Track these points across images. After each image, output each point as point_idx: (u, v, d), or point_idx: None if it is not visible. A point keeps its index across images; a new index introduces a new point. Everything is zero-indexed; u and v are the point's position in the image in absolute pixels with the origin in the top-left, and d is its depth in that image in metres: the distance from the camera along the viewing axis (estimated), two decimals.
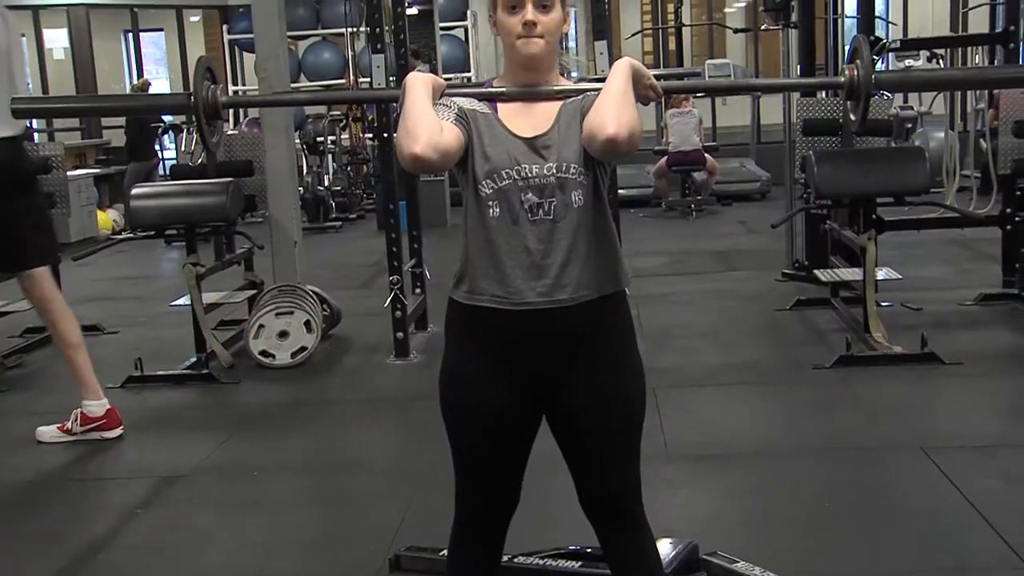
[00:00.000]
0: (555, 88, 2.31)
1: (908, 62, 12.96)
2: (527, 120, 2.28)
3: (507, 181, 2.23)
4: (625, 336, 2.34)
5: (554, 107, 2.29)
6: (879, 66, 11.99)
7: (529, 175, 2.23)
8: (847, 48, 8.03)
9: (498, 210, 2.24)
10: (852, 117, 2.58)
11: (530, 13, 2.21)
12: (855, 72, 2.50)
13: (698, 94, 13.49)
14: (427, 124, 2.16)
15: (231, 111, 15.23)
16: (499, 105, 2.31)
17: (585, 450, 2.33)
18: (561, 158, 2.23)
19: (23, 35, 14.71)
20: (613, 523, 2.36)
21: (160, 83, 18.93)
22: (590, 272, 2.26)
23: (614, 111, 2.15)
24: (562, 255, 2.24)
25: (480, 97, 2.32)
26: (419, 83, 2.25)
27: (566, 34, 2.34)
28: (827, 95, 7.59)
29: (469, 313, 2.29)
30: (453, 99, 2.30)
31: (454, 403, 2.34)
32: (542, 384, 2.30)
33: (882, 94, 10.13)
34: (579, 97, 2.28)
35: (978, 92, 10.03)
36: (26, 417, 5.35)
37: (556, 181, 2.23)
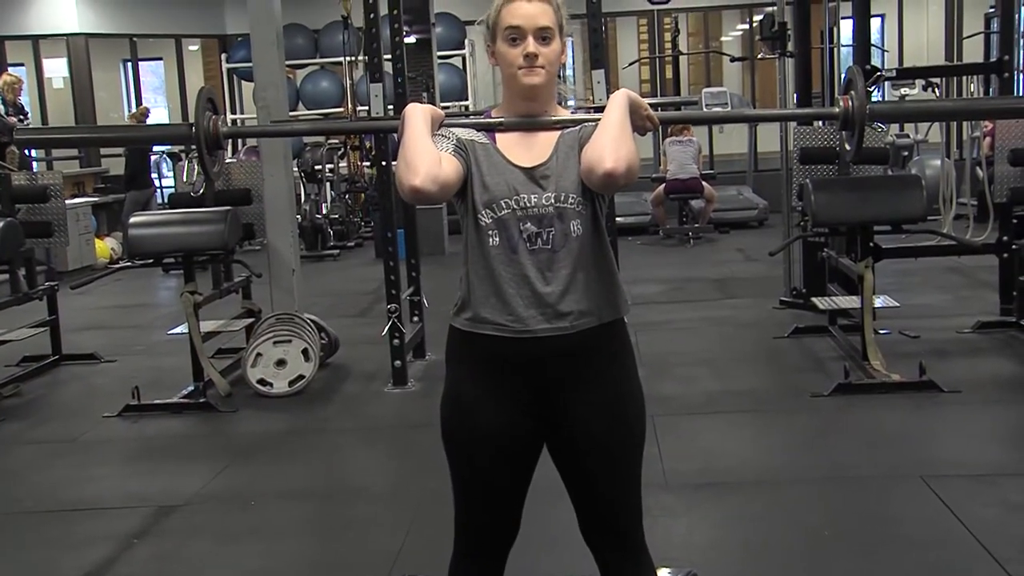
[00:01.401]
0: (554, 119, 2.32)
1: (903, 91, 13.04)
2: (526, 150, 2.29)
3: (506, 211, 2.24)
4: (625, 362, 2.34)
5: (552, 137, 2.30)
6: (875, 95, 12.07)
7: (528, 205, 2.24)
8: (843, 77, 8.08)
9: (497, 239, 2.25)
10: (848, 147, 2.58)
11: (531, 45, 2.23)
12: (850, 103, 2.51)
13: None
14: (426, 156, 2.17)
15: (230, 140, 15.28)
16: (498, 135, 2.32)
17: (585, 475, 2.32)
18: (559, 188, 2.25)
19: (22, 64, 14.80)
20: (613, 549, 2.35)
21: (159, 112, 18.96)
22: (590, 300, 2.27)
23: (612, 145, 2.16)
24: (562, 284, 2.25)
25: (479, 127, 2.33)
26: (418, 114, 2.26)
27: (563, 64, 2.35)
28: (824, 123, 7.63)
29: (470, 340, 2.30)
30: (452, 130, 2.31)
31: (455, 429, 2.33)
32: (543, 410, 2.30)
33: (876, 125, 10.18)
34: (577, 128, 2.30)
35: (973, 120, 10.08)
36: (22, 446, 5.35)
37: (555, 211, 2.24)
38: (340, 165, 13.39)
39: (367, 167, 12.91)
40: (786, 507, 4.02)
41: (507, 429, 2.29)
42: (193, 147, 2.60)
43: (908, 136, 12.48)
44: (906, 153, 12.05)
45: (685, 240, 11.86)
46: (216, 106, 2.53)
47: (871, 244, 5.84)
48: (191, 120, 2.66)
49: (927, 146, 12.15)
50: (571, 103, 2.47)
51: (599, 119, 2.25)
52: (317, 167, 12.77)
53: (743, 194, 13.38)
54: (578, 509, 2.35)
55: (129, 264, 6.65)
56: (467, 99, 14.68)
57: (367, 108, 6.10)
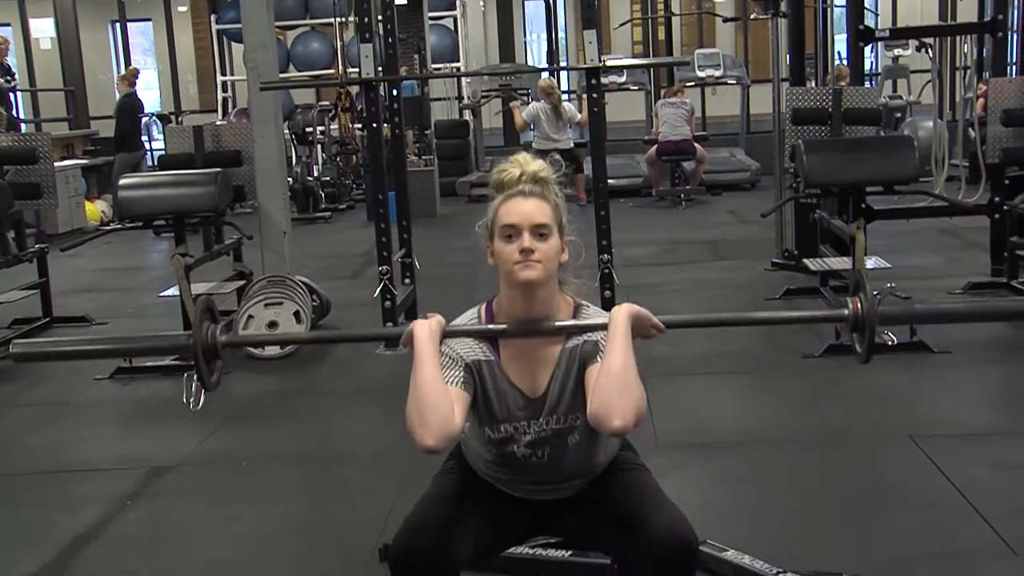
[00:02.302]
0: (555, 325, 2.31)
1: (896, 52, 12.99)
2: (527, 366, 2.32)
3: (503, 435, 2.32)
4: (621, 474, 2.42)
5: (555, 351, 2.32)
6: (868, 55, 11.98)
7: (525, 430, 2.32)
8: (835, 38, 8.04)
9: (495, 451, 2.35)
10: (858, 349, 2.47)
11: (527, 240, 2.23)
12: (859, 306, 2.40)
13: (689, 83, 13.53)
14: (439, 410, 2.17)
15: (219, 98, 15.20)
16: (501, 345, 2.33)
17: (613, 532, 2.32)
18: (557, 411, 2.31)
19: (8, 24, 14.67)
20: (681, 564, 2.24)
21: (147, 73, 18.85)
22: (589, 474, 2.39)
23: (618, 400, 2.15)
24: (558, 481, 2.38)
25: (481, 336, 2.33)
26: (426, 345, 2.24)
27: (564, 264, 2.34)
28: (816, 83, 7.61)
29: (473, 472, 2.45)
30: (457, 349, 2.31)
31: (457, 472, 2.46)
32: (534, 530, 2.49)
33: (879, 79, 10.14)
34: (580, 340, 2.30)
35: (967, 81, 10.06)
36: (14, 409, 5.35)
37: (551, 433, 2.32)
38: (331, 127, 13.33)
39: (358, 129, 12.85)
40: (777, 467, 4.04)
41: (502, 509, 2.40)
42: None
43: (901, 97, 12.47)
44: (899, 115, 12.04)
45: (677, 202, 11.85)
46: (215, 315, 2.50)
47: (863, 205, 5.84)
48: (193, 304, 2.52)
49: (920, 107, 12.14)
50: (576, 300, 2.41)
51: (602, 324, 2.26)
52: (308, 129, 12.71)
53: (735, 156, 13.36)
54: (630, 547, 2.26)
55: (120, 226, 6.63)
56: (458, 60, 14.61)
57: (358, 70, 6.06)
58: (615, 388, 2.15)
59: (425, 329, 2.26)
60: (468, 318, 2.39)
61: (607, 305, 5.33)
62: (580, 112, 11.14)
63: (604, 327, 2.26)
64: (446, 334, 2.31)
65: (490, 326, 2.34)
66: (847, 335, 2.54)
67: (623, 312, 2.26)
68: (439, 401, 2.18)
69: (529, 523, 2.45)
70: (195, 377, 2.54)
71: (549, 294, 2.30)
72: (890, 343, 5.37)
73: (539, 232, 2.24)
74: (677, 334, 5.87)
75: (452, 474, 2.46)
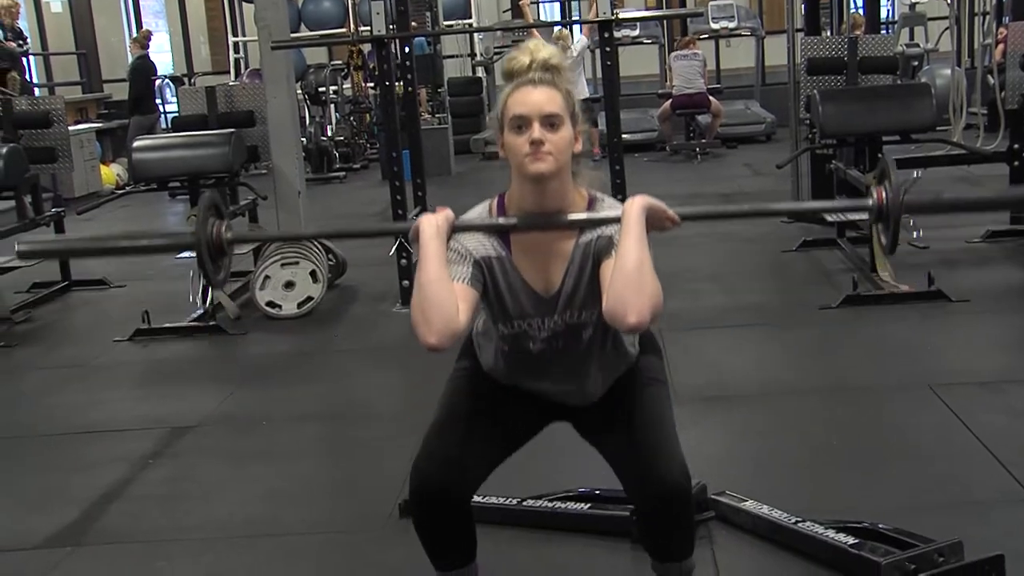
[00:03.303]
0: (567, 219, 2.23)
1: None
2: (541, 261, 2.26)
3: (517, 330, 2.29)
4: (645, 376, 2.40)
5: (568, 246, 2.25)
6: (884, 4, 11.85)
7: (539, 326, 2.28)
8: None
9: (509, 347, 2.32)
10: (883, 240, 2.42)
11: (536, 131, 2.15)
12: (883, 195, 2.36)
13: (702, 36, 13.41)
14: (443, 307, 2.12)
15: (231, 60, 15.15)
16: (512, 239, 2.26)
17: (617, 446, 2.32)
18: (572, 308, 2.27)
19: None
20: (668, 505, 2.24)
21: (159, 36, 18.77)
22: (605, 379, 2.36)
23: (633, 294, 2.09)
24: (575, 381, 2.35)
25: (491, 231, 2.26)
26: (432, 239, 2.17)
27: (578, 154, 2.24)
28: (832, 32, 7.53)
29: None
30: (466, 244, 2.24)
31: (459, 385, 2.43)
32: (561, 417, 2.44)
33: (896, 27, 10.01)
34: (594, 235, 2.23)
35: (985, 27, 9.93)
36: (35, 371, 5.39)
37: (565, 328, 2.28)
38: (344, 86, 13.28)
39: (371, 88, 12.80)
40: (794, 419, 4.03)
41: (518, 415, 2.39)
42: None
43: (918, 45, 12.33)
44: (916, 63, 11.90)
45: (692, 156, 11.78)
46: (221, 211, 2.45)
47: (880, 155, 5.79)
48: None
49: (937, 55, 12.00)
50: (591, 192, 2.35)
51: (616, 217, 2.19)
52: (321, 89, 12.66)
53: (750, 108, 13.26)
54: (625, 473, 2.29)
55: (135, 189, 6.64)
56: (470, 17, 14.50)
57: (369, 28, 6.02)
58: (630, 284, 2.09)
59: (432, 225, 2.19)
60: (478, 212, 2.31)
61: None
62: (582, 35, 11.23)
63: (618, 220, 2.18)
64: (455, 229, 2.24)
65: (500, 220, 2.27)
66: (871, 223, 2.49)
67: (637, 205, 2.17)
68: (443, 299, 2.13)
69: (541, 413, 2.42)
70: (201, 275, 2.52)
71: (562, 186, 2.22)
72: (905, 289, 5.34)
73: (550, 122, 2.16)
74: (692, 288, 5.92)
75: (464, 377, 2.43)
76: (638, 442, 2.27)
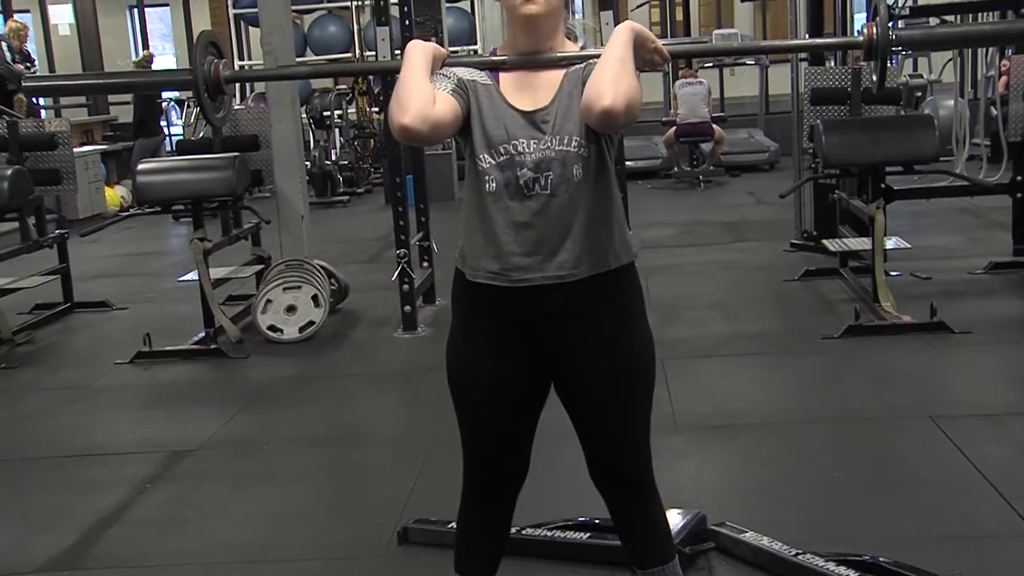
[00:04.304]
0: (557, 55, 2.25)
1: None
2: (528, 91, 2.23)
3: (504, 156, 2.19)
4: (630, 306, 2.30)
5: (557, 76, 2.23)
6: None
7: (526, 150, 2.19)
8: (855, 16, 7.98)
9: (495, 184, 2.20)
10: (874, 78, 2.44)
11: None
12: (874, 30, 2.37)
13: (706, 64, 13.46)
14: (419, 95, 2.12)
15: (237, 86, 15.22)
16: (501, 75, 2.26)
17: (591, 412, 2.31)
18: (561, 131, 2.19)
19: (28, 11, 14.71)
20: (621, 489, 2.35)
21: (166, 59, 18.88)
22: (590, 247, 2.22)
23: (611, 80, 2.08)
24: (559, 230, 2.20)
25: (481, 67, 2.28)
26: (418, 51, 2.21)
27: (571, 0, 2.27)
28: (835, 63, 7.55)
29: (471, 287, 2.28)
30: (453, 69, 2.25)
31: (459, 370, 2.33)
32: (546, 355, 2.28)
33: (899, 55, 10.02)
34: (582, 65, 2.22)
35: (988, 59, 9.96)
36: (36, 393, 5.38)
37: (555, 155, 2.18)
38: (349, 111, 13.33)
39: (376, 113, 12.84)
40: (796, 448, 4.02)
41: (509, 371, 2.28)
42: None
43: (921, 76, 12.37)
44: (919, 93, 11.94)
45: (695, 183, 11.81)
46: (220, 50, 2.45)
47: (883, 185, 5.80)
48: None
49: (941, 86, 12.04)
50: (581, 42, 2.37)
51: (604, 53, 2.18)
52: (326, 113, 12.70)
53: (754, 137, 13.29)
54: (586, 448, 2.34)
55: (139, 211, 6.65)
56: (476, 43, 14.57)
57: (375, 53, 6.05)
58: (610, 73, 2.09)
59: (419, 43, 2.24)
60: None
61: None
62: None
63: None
64: (447, 64, 2.27)
65: (491, 57, 2.29)
66: (861, 80, 2.49)
67: (625, 25, 2.20)
68: (419, 89, 2.13)
69: (539, 356, 2.28)
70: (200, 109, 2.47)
71: (553, 28, 2.24)
72: (907, 319, 5.34)
73: None
74: (695, 316, 5.92)
75: (466, 354, 2.32)
76: (610, 432, 2.30)
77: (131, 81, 2.49)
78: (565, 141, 2.19)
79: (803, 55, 7.95)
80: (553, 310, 2.23)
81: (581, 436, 2.35)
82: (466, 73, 2.25)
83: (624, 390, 2.29)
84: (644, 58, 2.23)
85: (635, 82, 2.10)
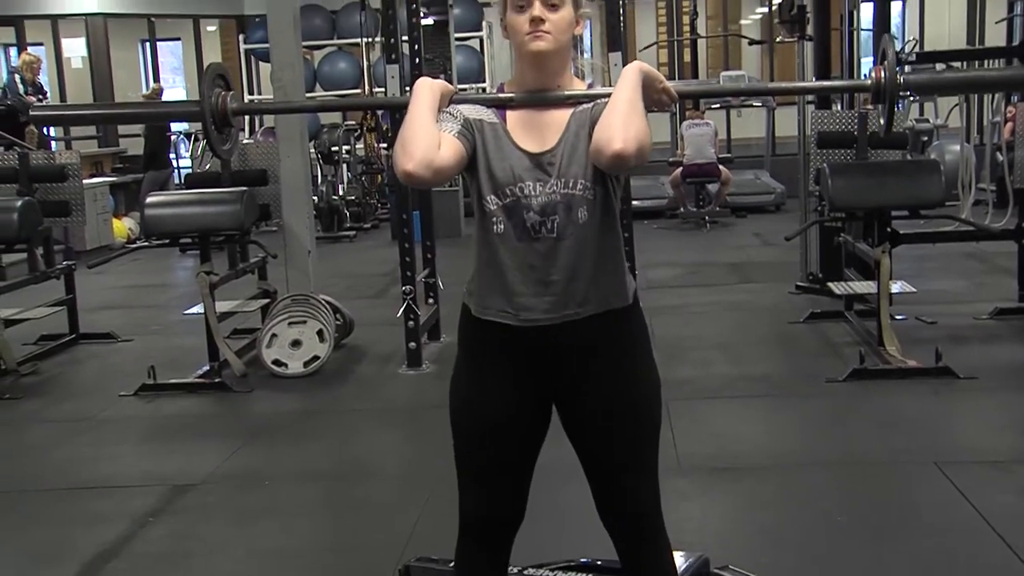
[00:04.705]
0: (564, 93, 2.25)
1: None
2: (535, 131, 2.24)
3: (510, 199, 2.21)
4: (635, 344, 2.31)
5: (564, 116, 2.24)
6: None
7: (532, 193, 2.20)
8: (862, 61, 8.03)
9: (502, 226, 2.23)
10: (881, 121, 2.46)
11: (537, 9, 2.18)
12: (881, 74, 2.39)
13: (713, 105, 13.52)
14: (424, 139, 2.13)
15: (246, 119, 15.31)
16: (508, 113, 2.26)
17: (599, 453, 2.30)
18: (567, 174, 2.20)
19: (42, 44, 14.84)
20: (632, 530, 2.33)
21: (176, 91, 18.99)
22: (596, 286, 2.24)
23: (621, 124, 2.10)
24: (566, 272, 2.21)
25: (489, 104, 2.28)
26: (425, 90, 2.22)
27: (579, 38, 2.28)
28: (842, 107, 7.59)
29: (479, 324, 2.29)
30: (460, 108, 2.26)
31: (463, 404, 2.33)
32: (552, 391, 2.29)
33: (906, 100, 10.03)
34: (590, 104, 2.23)
35: (994, 105, 10.01)
36: (40, 424, 5.38)
37: (561, 198, 2.20)
38: (356, 147, 13.39)
39: (383, 149, 12.91)
40: (800, 492, 4.01)
41: (516, 407, 2.29)
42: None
43: (928, 121, 12.41)
44: (925, 138, 11.97)
45: (701, 224, 11.83)
46: (228, 82, 2.47)
47: (888, 229, 5.81)
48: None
49: (947, 131, 12.08)
50: (589, 80, 2.39)
51: (611, 92, 2.18)
52: (334, 148, 12.77)
53: (760, 178, 13.32)
54: (594, 487, 2.33)
55: (146, 244, 6.68)
56: (484, 81, 14.66)
57: (384, 89, 6.09)
58: (620, 115, 2.10)
59: (427, 81, 2.24)
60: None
61: None
62: None
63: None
64: (454, 101, 2.27)
65: (498, 94, 2.29)
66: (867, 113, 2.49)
67: (634, 66, 2.20)
68: (425, 132, 2.14)
69: (542, 392, 2.30)
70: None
71: (561, 66, 2.24)
72: (912, 364, 5.34)
73: (550, 2, 2.18)
74: (700, 357, 5.92)
75: (469, 389, 2.32)
76: (617, 469, 2.29)
77: (139, 112, 2.51)
78: (571, 184, 2.20)
79: (810, 98, 7.98)
80: (560, 347, 2.25)
81: (589, 474, 2.34)
82: (473, 112, 2.26)
83: (631, 425, 2.29)
84: (652, 98, 2.24)
85: (645, 124, 2.11)
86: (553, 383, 2.29)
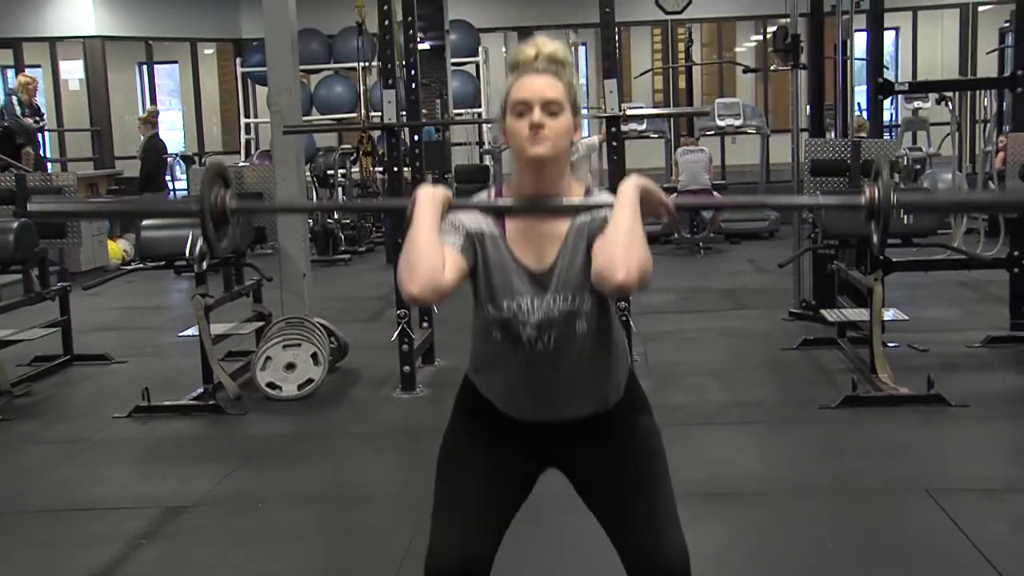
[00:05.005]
0: (563, 203, 2.26)
1: (916, 104, 13.04)
2: (534, 242, 2.26)
3: (507, 313, 2.25)
4: (636, 415, 2.35)
5: (563, 227, 2.25)
6: (887, 108, 12.04)
7: (529, 309, 2.24)
8: (855, 89, 8.09)
9: (499, 335, 2.27)
10: (874, 238, 2.46)
11: (536, 115, 2.19)
12: (876, 192, 2.39)
13: (708, 132, 13.61)
14: (428, 261, 2.12)
15: (243, 142, 15.36)
16: (507, 220, 2.28)
17: (617, 517, 2.29)
18: (564, 289, 2.24)
19: (39, 66, 14.89)
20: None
21: (172, 114, 19.05)
22: (593, 391, 2.31)
23: (622, 253, 2.09)
24: (563, 384, 2.28)
25: (487, 211, 2.29)
26: (428, 206, 2.20)
27: (575, 143, 2.28)
28: (835, 135, 7.65)
29: (482, 399, 2.35)
30: (461, 218, 2.26)
31: (454, 448, 2.36)
32: (550, 462, 2.36)
33: (899, 208, 10.15)
34: (587, 217, 2.24)
35: (987, 135, 10.09)
36: (33, 446, 5.38)
37: (558, 314, 2.24)
38: (352, 170, 13.44)
39: (379, 173, 12.95)
40: (792, 518, 4.02)
41: (502, 463, 2.32)
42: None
43: (921, 149, 12.50)
44: (918, 166, 12.06)
45: (696, 250, 11.87)
46: (227, 179, 2.50)
47: (881, 257, 5.85)
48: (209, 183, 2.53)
49: (940, 159, 12.16)
50: (587, 182, 2.41)
51: (611, 202, 2.19)
52: (330, 172, 12.82)
53: None
54: (626, 547, 2.29)
55: (141, 266, 6.69)
56: (480, 106, 14.73)
57: (380, 114, 6.13)
58: (620, 244, 2.09)
59: (428, 193, 2.22)
60: (479, 198, 2.34)
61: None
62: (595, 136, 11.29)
63: (613, 205, 2.19)
64: (453, 207, 2.26)
65: (497, 201, 2.29)
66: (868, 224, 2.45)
67: (632, 183, 2.19)
68: (430, 254, 2.13)
69: (533, 456, 2.34)
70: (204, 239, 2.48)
71: (559, 172, 2.24)
72: (904, 391, 5.36)
73: (550, 109, 2.19)
74: (693, 383, 5.93)
75: (451, 444, 2.36)
76: (639, 521, 2.27)
77: (140, 208, 2.54)
78: (568, 299, 2.24)
79: (804, 126, 8.03)
80: (560, 435, 2.32)
81: (615, 536, 2.31)
82: (473, 223, 2.27)
83: (644, 476, 2.30)
84: (651, 212, 2.25)
85: (646, 252, 2.12)
86: (551, 458, 2.35)
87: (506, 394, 2.31)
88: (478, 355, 2.34)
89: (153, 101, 15.74)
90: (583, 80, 18.28)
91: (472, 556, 2.24)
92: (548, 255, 2.24)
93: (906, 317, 6.07)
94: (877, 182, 2.38)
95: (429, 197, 2.21)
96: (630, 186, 2.19)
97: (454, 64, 13.78)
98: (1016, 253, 6.54)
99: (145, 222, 6.45)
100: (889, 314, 5.89)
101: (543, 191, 2.25)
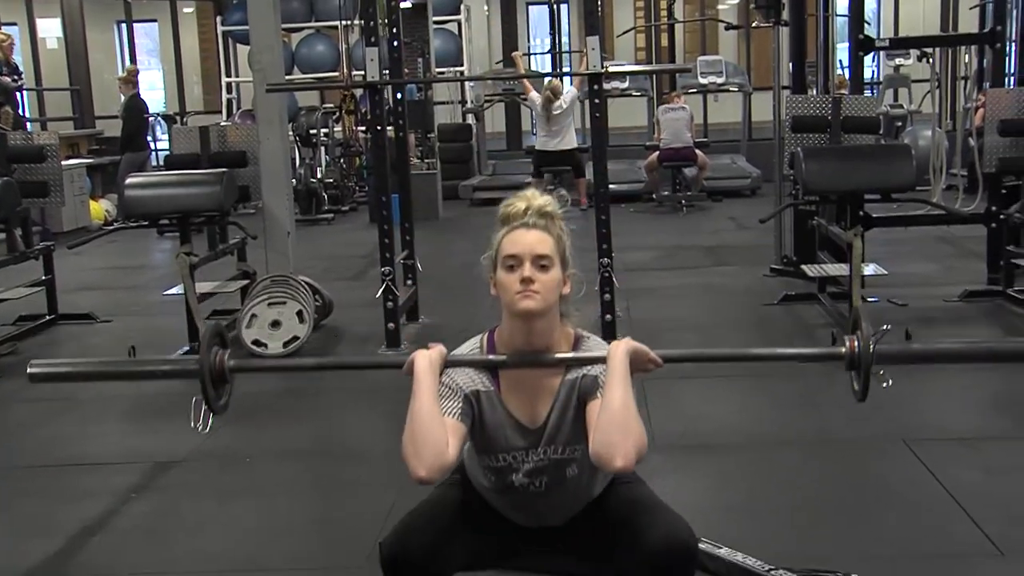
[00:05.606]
0: (556, 358, 2.33)
1: (898, 60, 13.06)
2: (527, 395, 2.35)
3: (501, 464, 2.36)
4: (616, 486, 2.46)
5: (555, 381, 2.34)
6: (869, 65, 12.03)
7: (523, 459, 2.36)
8: (837, 46, 8.10)
9: (492, 479, 2.40)
10: (855, 388, 2.52)
11: (527, 270, 2.26)
12: (855, 344, 2.46)
13: (690, 90, 13.61)
14: (432, 440, 2.20)
15: (224, 102, 15.28)
16: (500, 376, 2.36)
17: (618, 531, 2.36)
18: (555, 441, 2.34)
19: (15, 24, 14.75)
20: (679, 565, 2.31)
21: (152, 74, 18.93)
22: (580, 507, 2.43)
23: (619, 436, 2.15)
24: (552, 510, 2.42)
25: (481, 366, 2.36)
26: (426, 370, 2.28)
27: (566, 296, 2.36)
28: (816, 92, 7.67)
29: (474, 490, 2.49)
30: (456, 379, 2.34)
31: (451, 490, 2.49)
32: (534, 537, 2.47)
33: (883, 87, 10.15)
34: (580, 373, 2.32)
35: (967, 92, 10.13)
36: (19, 404, 5.41)
37: (549, 463, 2.35)
38: (335, 129, 13.41)
39: (362, 132, 12.93)
40: (771, 469, 4.10)
41: (496, 529, 2.44)
42: None
43: (901, 106, 12.53)
44: (899, 124, 12.09)
45: (678, 208, 11.92)
46: (224, 339, 2.53)
47: (861, 212, 5.90)
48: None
49: (921, 116, 12.20)
50: (576, 330, 2.47)
51: (602, 357, 2.27)
52: (312, 131, 12.78)
53: (736, 163, 13.43)
54: (627, 554, 2.33)
55: (124, 225, 6.69)
56: (462, 64, 14.69)
57: (363, 72, 6.12)
58: (616, 427, 2.16)
59: (426, 359, 2.30)
60: (470, 347, 2.42)
61: (607, 309, 5.40)
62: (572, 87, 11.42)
63: (603, 360, 2.28)
64: (447, 363, 2.34)
65: (491, 357, 2.37)
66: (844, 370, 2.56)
67: (621, 348, 2.27)
68: (434, 433, 2.21)
69: (525, 537, 2.47)
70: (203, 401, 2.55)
71: (549, 325, 2.32)
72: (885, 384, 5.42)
73: (540, 263, 2.27)
74: (674, 338, 5.99)
75: (455, 486, 2.49)
76: (632, 514, 2.36)
77: (141, 369, 2.58)
78: (559, 451, 2.34)
79: (785, 83, 8.05)
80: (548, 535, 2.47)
81: (616, 559, 2.37)
82: (469, 383, 2.35)
83: (626, 503, 2.41)
84: (640, 368, 2.31)
85: (640, 428, 2.19)
86: (536, 539, 2.48)
87: (496, 507, 2.45)
88: (473, 480, 2.47)
89: (132, 60, 15.61)
90: (565, 39, 18.19)
91: (425, 558, 2.30)
92: (541, 409, 2.35)
93: (886, 272, 6.13)
94: (856, 333, 2.42)
95: (426, 363, 2.29)
96: (620, 353, 2.26)
97: (436, 22, 13.72)
98: (994, 208, 6.60)
99: (130, 180, 6.45)
100: (869, 269, 5.96)
101: (534, 344, 2.32)
